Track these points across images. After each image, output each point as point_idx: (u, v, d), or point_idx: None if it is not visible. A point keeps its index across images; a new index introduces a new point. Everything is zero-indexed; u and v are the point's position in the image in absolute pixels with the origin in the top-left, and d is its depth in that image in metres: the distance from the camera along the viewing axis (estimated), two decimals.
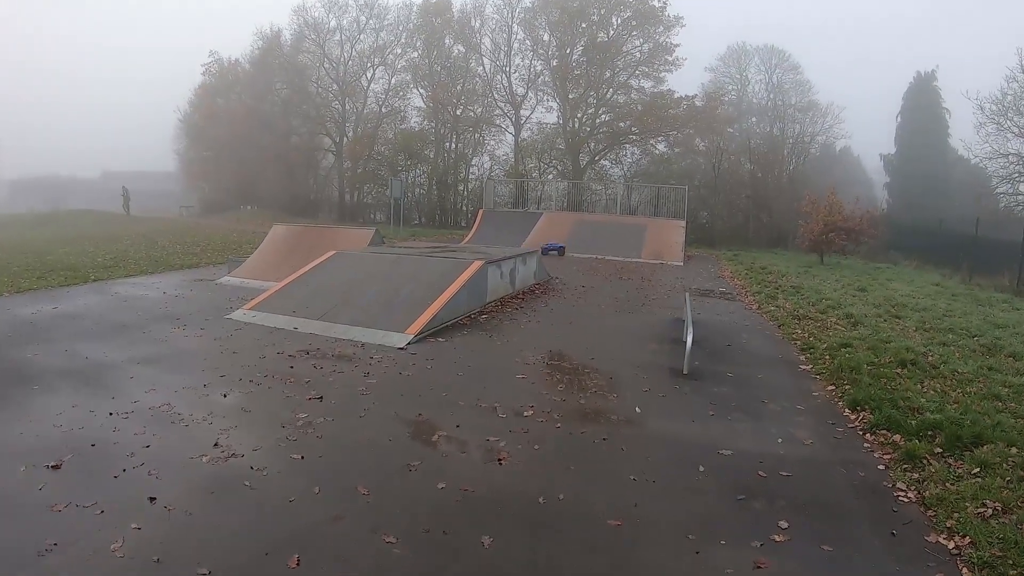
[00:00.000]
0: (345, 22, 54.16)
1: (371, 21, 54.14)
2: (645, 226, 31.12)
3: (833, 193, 31.90)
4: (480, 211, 37.15)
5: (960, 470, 7.00)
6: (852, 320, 14.28)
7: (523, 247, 23.79)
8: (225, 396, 8.98)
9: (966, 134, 46.30)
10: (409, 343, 12.10)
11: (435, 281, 14.47)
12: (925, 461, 7.18)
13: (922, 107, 49.22)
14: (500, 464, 7.10)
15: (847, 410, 8.81)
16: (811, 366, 10.85)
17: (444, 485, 6.53)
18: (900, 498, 6.52)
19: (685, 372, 9.90)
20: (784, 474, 6.89)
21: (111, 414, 8.12)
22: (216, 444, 7.35)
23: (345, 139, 55.22)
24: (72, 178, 65.88)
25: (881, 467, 7.23)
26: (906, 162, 49.22)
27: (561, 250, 27.12)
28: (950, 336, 12.90)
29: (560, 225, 31.49)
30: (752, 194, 48.30)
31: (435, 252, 17.42)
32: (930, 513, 6.18)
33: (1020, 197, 35.66)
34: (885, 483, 6.86)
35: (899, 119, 50.81)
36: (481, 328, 13.65)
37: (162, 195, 60.07)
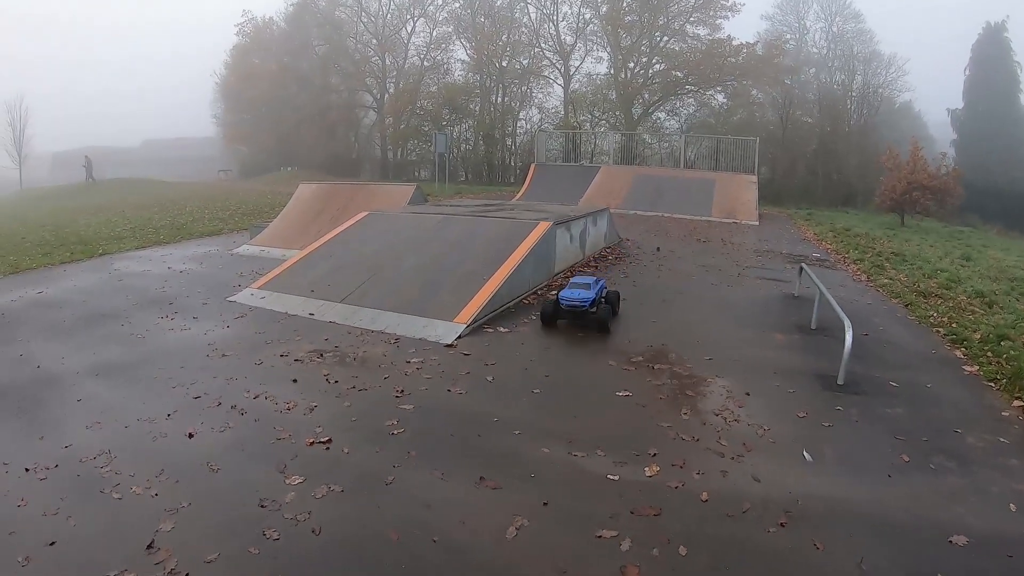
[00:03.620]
0: None
1: None
2: (713, 181, 27.16)
3: (918, 148, 28.08)
4: (532, 166, 33.34)
5: None
6: (984, 299, 11.78)
7: (580, 205, 20.23)
8: (191, 437, 5.88)
9: None
10: (460, 336, 8.86)
11: (491, 249, 11.16)
12: None
13: (992, 59, 43.99)
14: None
15: None
16: (976, 367, 8.17)
17: None
18: None
19: (840, 383, 7.22)
20: None
21: (26, 471, 5.44)
22: (151, 546, 4.52)
23: (386, 95, 51.98)
24: (113, 148, 64.13)
25: None
26: (974, 118, 44.09)
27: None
28: None
29: (618, 180, 27.78)
30: (819, 148, 43.62)
31: (487, 211, 14.01)
32: None
33: None
34: None
35: (967, 72, 45.43)
36: None
37: (201, 161, 57.92)
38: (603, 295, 9.81)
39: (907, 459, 5.70)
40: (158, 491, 5.12)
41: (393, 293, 10.13)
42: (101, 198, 34.40)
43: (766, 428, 6.23)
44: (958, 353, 8.78)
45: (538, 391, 7.18)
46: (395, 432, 6.22)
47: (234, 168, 55.08)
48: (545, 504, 5.12)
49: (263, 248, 15.31)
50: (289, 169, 51.94)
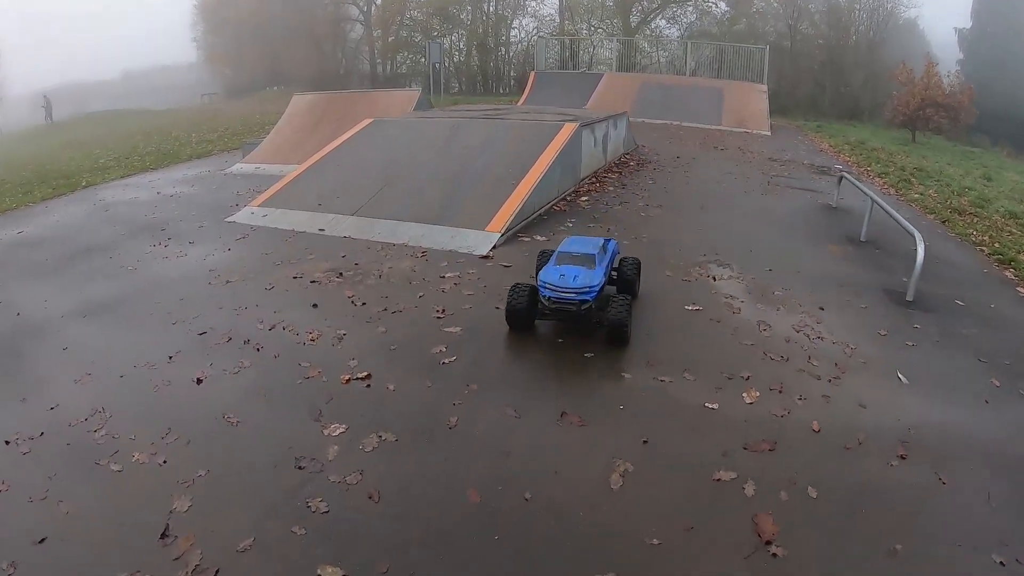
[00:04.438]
0: None
1: None
2: (721, 90, 25.26)
3: (932, 64, 26.61)
4: (532, 73, 31.10)
5: None
6: (1020, 221, 11.28)
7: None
8: (199, 384, 4.70)
9: None
10: (495, 247, 7.73)
11: (516, 152, 9.84)
12: None
13: None
14: None
15: None
16: None
17: None
18: None
19: (910, 299, 6.71)
20: None
21: (6, 444, 4.29)
22: (165, 534, 3.43)
23: (373, 6, 48.81)
24: (94, 82, 60.85)
25: None
26: (982, 39, 40.89)
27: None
28: None
29: (624, 88, 25.66)
30: (827, 61, 41.10)
31: (500, 115, 12.56)
32: None
33: None
34: None
35: None
36: (588, 217, 9.28)
37: (185, 87, 54.75)
38: (614, 268, 6.25)
39: (998, 384, 5.13)
40: (166, 457, 4.00)
41: (412, 203, 8.85)
42: (82, 133, 32.48)
43: (852, 346, 5.57)
44: (1008, 274, 8.22)
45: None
46: (445, 361, 5.09)
47: (219, 91, 52.46)
48: (645, 442, 4.16)
49: (258, 166, 13.88)
50: (275, 88, 49.35)
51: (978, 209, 11.91)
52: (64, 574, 3.22)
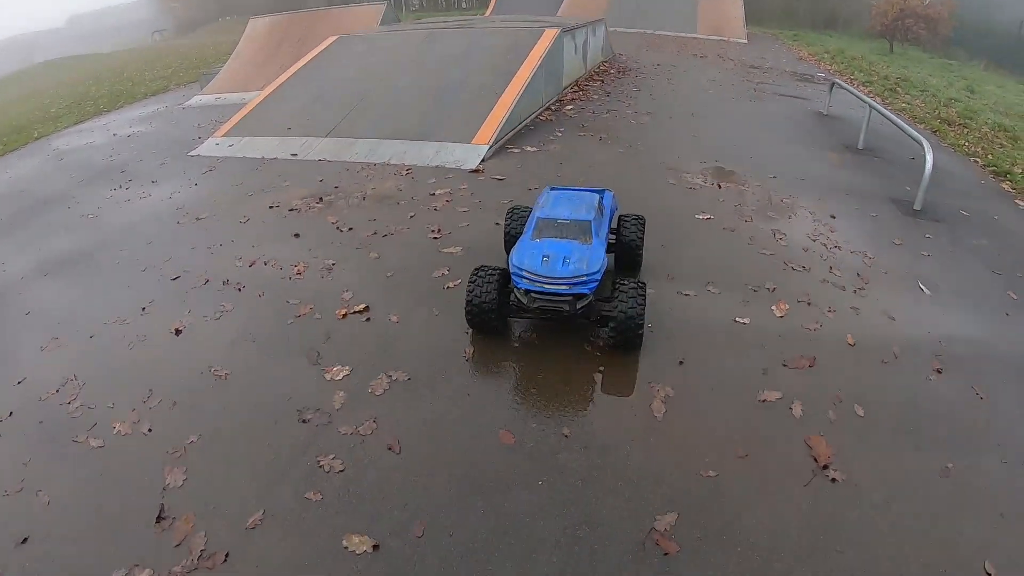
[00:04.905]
0: None
1: None
2: None
3: None
4: None
5: None
6: (1008, 133, 10.88)
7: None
8: (178, 335, 4.11)
9: None
10: (484, 160, 7.14)
11: (497, 62, 9.06)
12: None
13: None
14: None
15: None
16: None
17: None
18: None
19: (918, 208, 6.49)
20: None
21: None
22: (161, 517, 2.95)
23: None
24: (38, 32, 57.44)
25: None
26: None
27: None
28: None
29: None
30: None
31: (471, 25, 11.66)
32: None
33: None
34: None
35: None
36: (576, 126, 8.61)
37: (133, 26, 51.65)
38: (611, 229, 4.60)
39: (1015, 297, 4.94)
40: (151, 425, 3.46)
41: (390, 119, 8.10)
42: (30, 85, 30.68)
43: (870, 256, 5.33)
44: (1006, 186, 7.92)
45: None
46: (450, 285, 4.54)
47: (169, 27, 49.73)
48: (681, 363, 3.77)
49: (218, 96, 12.88)
50: (228, 18, 46.83)
51: (967, 120, 11.73)
52: None
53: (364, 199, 6.20)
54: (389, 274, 4.73)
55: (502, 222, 5.01)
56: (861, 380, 3.72)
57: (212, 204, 6.50)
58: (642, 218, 4.65)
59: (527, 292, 3.70)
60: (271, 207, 6.17)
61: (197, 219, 6.16)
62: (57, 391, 3.86)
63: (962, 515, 2.89)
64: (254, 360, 3.89)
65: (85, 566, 2.72)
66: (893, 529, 2.80)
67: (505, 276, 3.87)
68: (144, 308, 4.64)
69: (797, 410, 3.44)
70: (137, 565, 2.67)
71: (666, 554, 2.67)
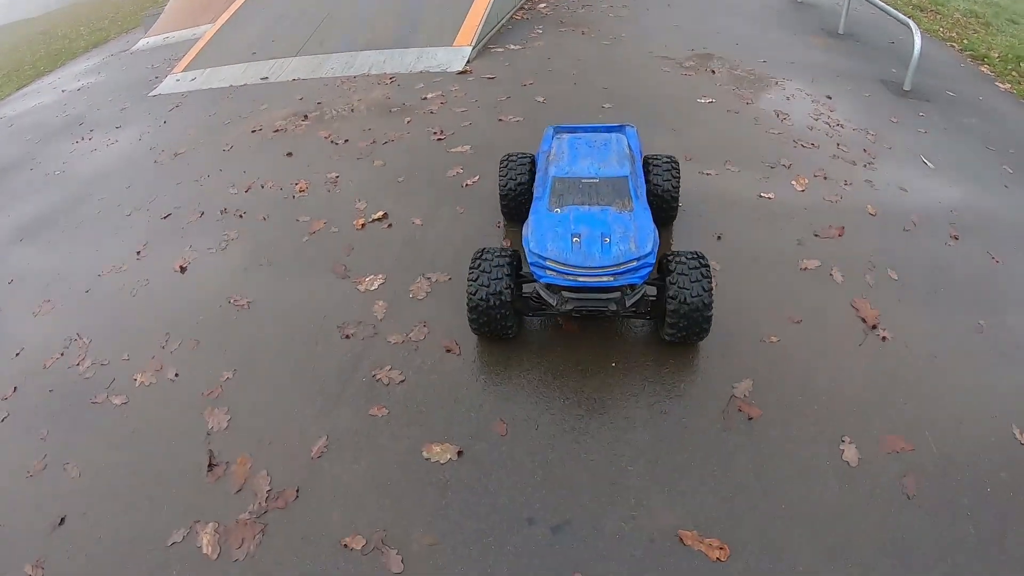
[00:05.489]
0: None
1: None
2: None
3: None
4: None
5: None
6: (980, 20, 10.47)
7: None
8: (183, 272, 3.71)
9: None
10: (469, 60, 6.57)
11: None
12: None
13: None
14: None
15: None
16: (1008, 84, 7.15)
17: None
18: None
19: (907, 88, 6.40)
20: None
21: None
22: (212, 465, 2.63)
23: None
24: None
25: None
26: None
27: None
28: None
29: None
30: None
31: None
32: None
33: None
34: None
35: None
36: (556, 22, 7.96)
37: None
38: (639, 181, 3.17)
39: (1011, 171, 4.95)
40: (177, 370, 3.08)
41: (362, 31, 7.44)
42: None
43: (872, 133, 5.25)
44: (985, 70, 7.71)
45: (609, 105, 5.37)
46: (469, 182, 4.12)
47: None
48: (719, 238, 3.71)
49: (166, 35, 11.91)
50: None
51: (939, 6, 11.38)
52: (106, 557, 2.37)
53: (352, 111, 5.67)
54: (400, 179, 4.30)
55: (506, 118, 4.56)
56: (888, 247, 3.77)
57: (188, 138, 5.94)
58: (675, 161, 3.60)
59: (556, 289, 2.70)
60: (254, 131, 5.63)
61: (176, 155, 5.62)
62: (62, 354, 3.45)
63: (999, 368, 2.96)
64: (275, 283, 3.49)
65: (136, 535, 2.38)
66: (944, 383, 2.85)
67: (517, 260, 2.86)
68: (139, 252, 4.19)
69: (837, 276, 3.48)
70: (198, 521, 2.35)
71: (750, 418, 2.62)
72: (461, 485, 2.33)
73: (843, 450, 2.51)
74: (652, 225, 2.74)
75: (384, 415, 2.56)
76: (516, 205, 3.52)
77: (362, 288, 3.27)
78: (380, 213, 3.88)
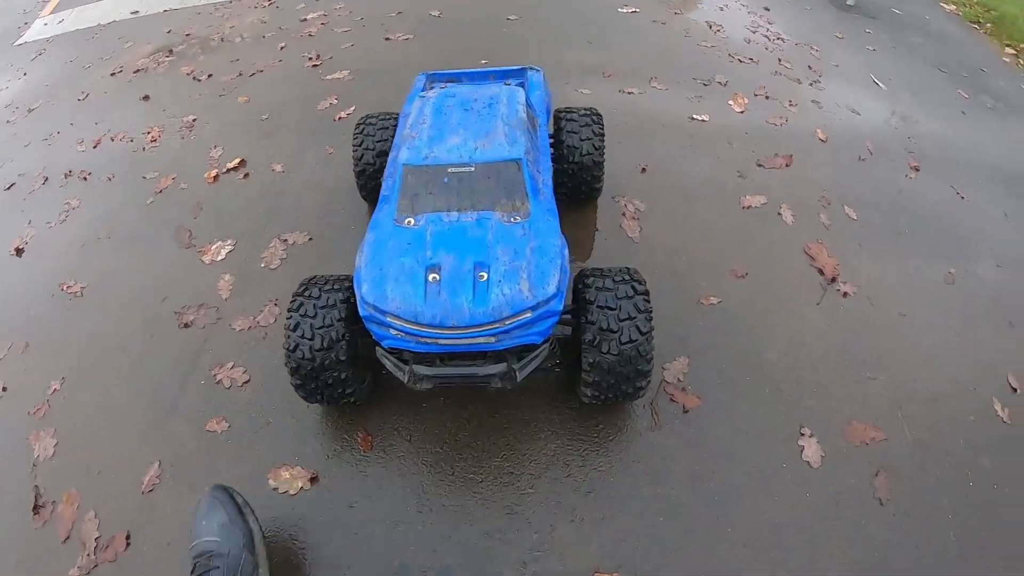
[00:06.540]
0: None
1: None
2: None
3: None
4: None
5: None
6: None
7: None
8: (20, 255, 3.11)
9: None
10: None
11: None
12: None
13: None
14: None
15: None
16: (953, 6, 6.78)
17: None
18: None
19: (850, 3, 6.02)
20: None
21: None
22: (38, 506, 2.11)
23: None
24: None
25: None
26: None
27: None
28: None
29: None
30: None
31: None
32: None
33: None
34: None
35: None
36: None
37: None
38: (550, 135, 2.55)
39: (966, 96, 4.67)
40: (4, 382, 2.54)
41: None
42: None
43: (815, 48, 4.80)
44: None
45: (515, 16, 4.68)
46: (341, 116, 3.55)
47: None
48: (644, 170, 3.12)
49: None
50: None
51: None
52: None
53: (223, 40, 4.91)
54: (264, 117, 3.66)
55: (395, 36, 3.84)
56: (843, 179, 3.29)
57: (45, 90, 5.13)
58: (596, 114, 2.56)
59: (406, 357, 1.77)
60: (113, 74, 4.86)
61: (29, 111, 4.84)
62: None
63: (974, 328, 2.58)
64: (112, 261, 2.91)
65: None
66: (916, 350, 2.43)
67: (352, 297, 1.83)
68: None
69: (787, 215, 2.96)
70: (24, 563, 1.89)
71: (686, 411, 2.12)
72: (315, 524, 1.86)
73: (803, 447, 2.06)
74: (559, 240, 1.72)
75: (224, 430, 2.09)
76: (376, 185, 2.50)
77: (207, 259, 2.72)
78: (236, 161, 3.27)
